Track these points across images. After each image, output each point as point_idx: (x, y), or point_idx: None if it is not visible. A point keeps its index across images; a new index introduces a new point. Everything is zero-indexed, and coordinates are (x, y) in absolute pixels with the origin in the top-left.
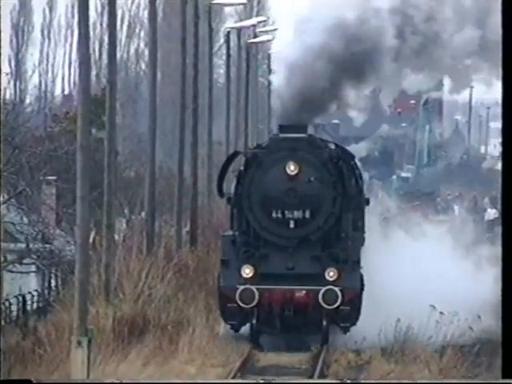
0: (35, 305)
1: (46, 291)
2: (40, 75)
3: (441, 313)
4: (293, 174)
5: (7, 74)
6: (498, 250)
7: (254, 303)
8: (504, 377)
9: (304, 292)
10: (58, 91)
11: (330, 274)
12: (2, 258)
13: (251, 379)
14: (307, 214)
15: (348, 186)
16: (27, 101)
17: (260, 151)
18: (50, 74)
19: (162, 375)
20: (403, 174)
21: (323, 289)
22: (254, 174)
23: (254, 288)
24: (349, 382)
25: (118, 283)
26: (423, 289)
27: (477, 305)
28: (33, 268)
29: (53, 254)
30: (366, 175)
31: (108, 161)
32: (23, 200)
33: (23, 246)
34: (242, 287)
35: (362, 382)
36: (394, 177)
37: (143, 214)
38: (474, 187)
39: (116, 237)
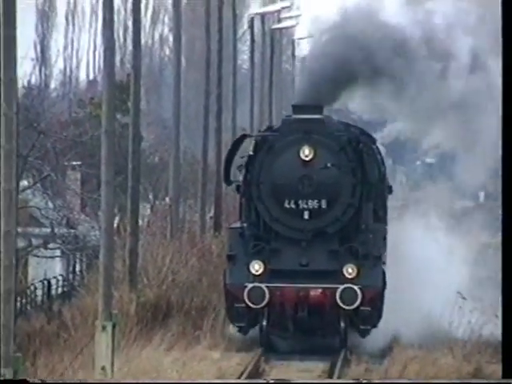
0: (60, 289)
1: (70, 276)
2: (65, 60)
3: (463, 298)
4: (307, 159)
5: (32, 60)
6: None
7: (263, 303)
8: (504, 377)
9: (320, 291)
10: (82, 77)
11: (349, 271)
12: (28, 243)
13: (275, 364)
14: (323, 204)
15: (369, 172)
16: (52, 86)
17: (271, 134)
18: (74, 60)
19: (186, 360)
20: (428, 160)
21: (341, 287)
22: (264, 160)
23: (263, 286)
24: (365, 382)
25: (142, 268)
26: (448, 276)
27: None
28: (58, 253)
29: (77, 239)
30: (389, 161)
31: (132, 146)
32: (48, 185)
33: (48, 230)
34: (250, 285)
35: (377, 381)
36: (418, 163)
37: (167, 199)
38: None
39: (140, 222)
